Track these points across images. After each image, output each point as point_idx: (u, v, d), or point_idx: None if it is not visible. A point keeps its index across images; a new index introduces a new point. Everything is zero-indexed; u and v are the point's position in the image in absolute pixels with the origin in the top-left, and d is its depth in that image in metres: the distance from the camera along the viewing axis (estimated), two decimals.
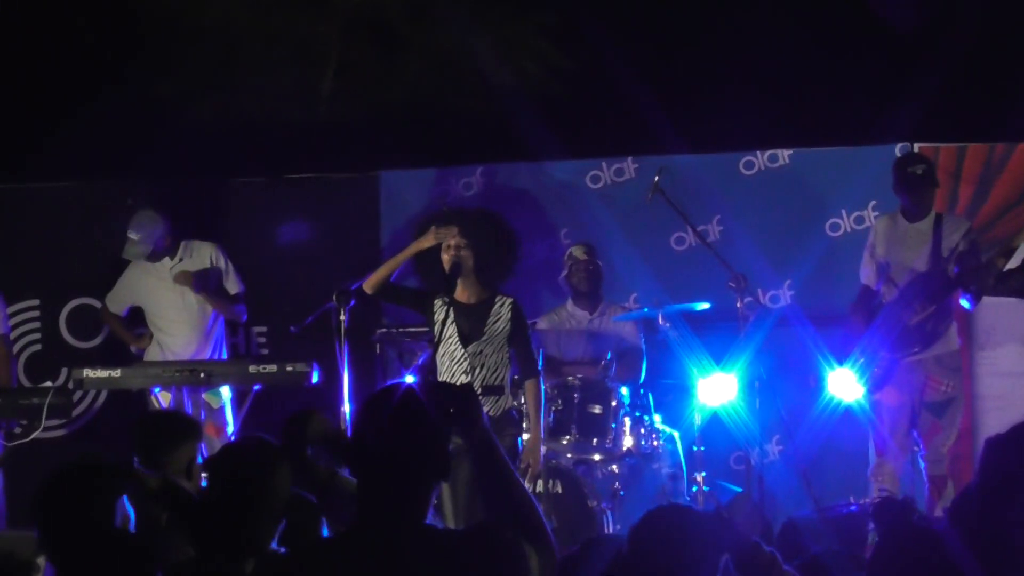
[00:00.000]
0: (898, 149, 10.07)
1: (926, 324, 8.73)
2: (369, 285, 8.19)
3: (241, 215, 10.99)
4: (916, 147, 10.01)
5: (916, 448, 8.86)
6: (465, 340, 8.00)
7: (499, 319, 8.04)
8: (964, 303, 8.76)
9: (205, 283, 9.83)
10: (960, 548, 4.09)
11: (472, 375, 7.97)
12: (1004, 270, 8.58)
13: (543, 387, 8.26)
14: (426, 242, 8.07)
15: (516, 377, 8.31)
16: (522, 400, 8.43)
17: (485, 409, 7.77)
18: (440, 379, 7.98)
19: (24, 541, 5.33)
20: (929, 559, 4.11)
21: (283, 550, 4.57)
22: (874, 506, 4.37)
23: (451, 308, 7.97)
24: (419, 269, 8.31)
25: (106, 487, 4.63)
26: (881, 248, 8.97)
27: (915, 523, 4.35)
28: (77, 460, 4.80)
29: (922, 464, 8.81)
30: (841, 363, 8.76)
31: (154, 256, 9.84)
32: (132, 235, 9.82)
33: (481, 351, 8.00)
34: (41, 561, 4.86)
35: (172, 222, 9.91)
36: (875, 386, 8.75)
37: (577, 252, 9.65)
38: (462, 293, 8.07)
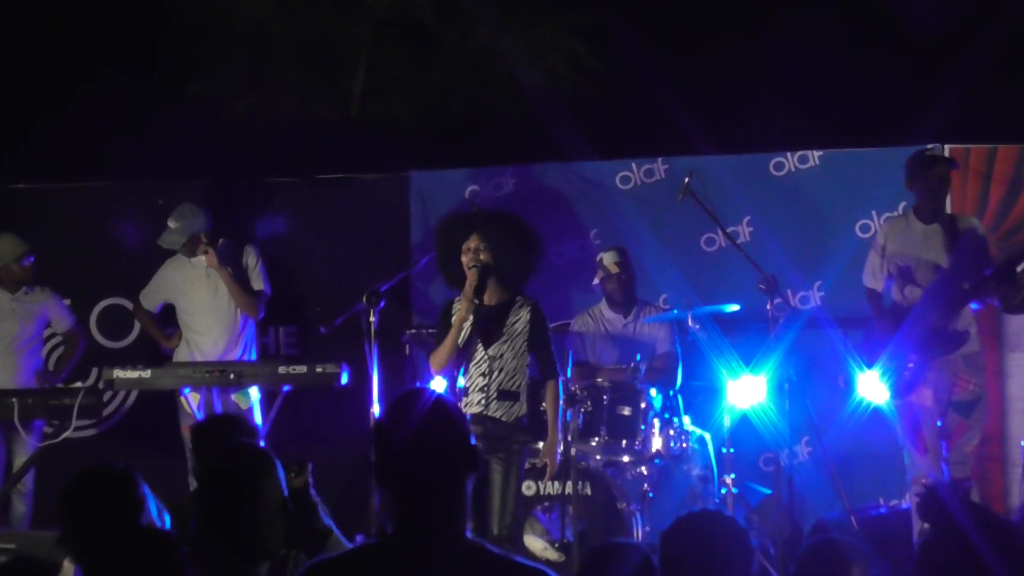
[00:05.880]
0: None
1: (955, 325, 8.70)
2: (437, 366, 8.02)
3: (272, 215, 11.01)
4: (947, 148, 9.96)
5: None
6: (486, 341, 7.98)
7: (518, 320, 8.00)
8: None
9: (224, 259, 9.89)
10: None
11: (489, 378, 7.96)
12: None
13: (568, 388, 8.27)
14: (464, 311, 7.95)
15: (535, 378, 8.28)
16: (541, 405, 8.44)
17: (498, 414, 7.86)
18: (461, 380, 7.99)
19: (49, 541, 5.35)
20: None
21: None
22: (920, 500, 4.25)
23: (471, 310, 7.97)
24: (444, 273, 8.26)
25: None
26: (894, 247, 8.92)
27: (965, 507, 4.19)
28: (97, 467, 4.86)
29: (944, 468, 8.76)
30: (871, 365, 8.74)
31: (190, 249, 9.89)
32: (171, 223, 9.93)
33: (501, 354, 7.96)
34: (69, 564, 4.88)
35: (215, 220, 9.98)
36: (906, 388, 8.71)
37: (609, 263, 9.63)
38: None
